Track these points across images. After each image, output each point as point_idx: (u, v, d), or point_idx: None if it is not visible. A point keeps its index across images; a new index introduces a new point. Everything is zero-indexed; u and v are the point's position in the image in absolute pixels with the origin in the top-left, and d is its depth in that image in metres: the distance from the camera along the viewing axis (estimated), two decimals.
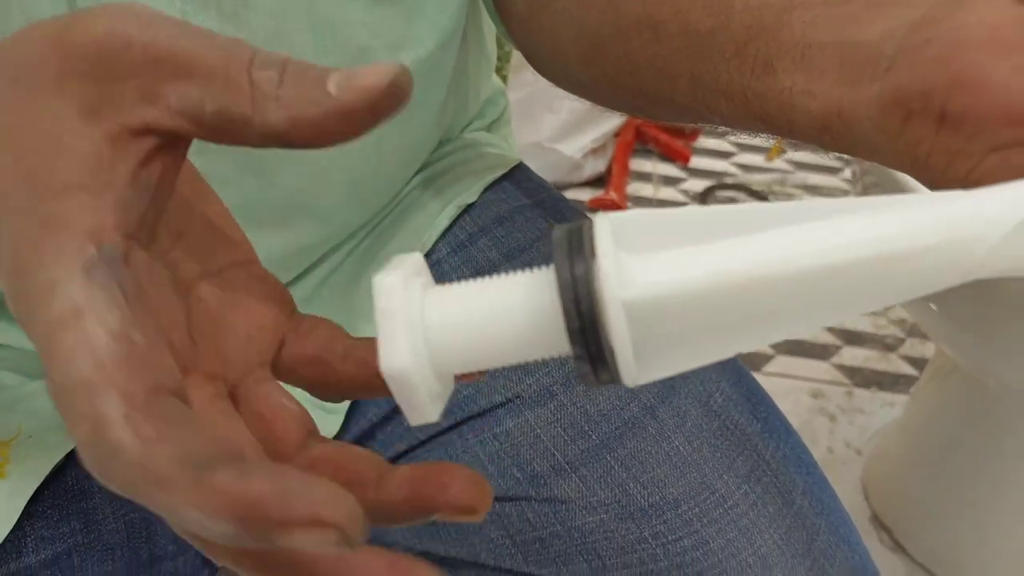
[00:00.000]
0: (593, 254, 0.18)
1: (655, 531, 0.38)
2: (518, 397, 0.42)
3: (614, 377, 0.18)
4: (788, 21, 0.27)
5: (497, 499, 0.42)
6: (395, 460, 0.46)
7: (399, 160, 0.47)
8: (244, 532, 0.17)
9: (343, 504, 0.17)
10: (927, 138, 0.22)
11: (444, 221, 0.48)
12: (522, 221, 0.49)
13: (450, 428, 0.44)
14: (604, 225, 0.19)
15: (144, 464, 0.18)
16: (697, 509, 0.38)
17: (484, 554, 0.42)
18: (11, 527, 0.40)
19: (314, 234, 0.44)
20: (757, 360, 1.07)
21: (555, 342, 0.19)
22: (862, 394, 1.03)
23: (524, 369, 0.43)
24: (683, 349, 0.18)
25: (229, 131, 0.20)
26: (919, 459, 0.85)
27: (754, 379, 0.46)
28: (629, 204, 1.34)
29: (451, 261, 0.48)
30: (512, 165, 0.52)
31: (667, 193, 1.39)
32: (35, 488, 0.41)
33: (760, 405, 0.44)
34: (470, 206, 0.49)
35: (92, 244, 0.20)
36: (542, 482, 0.41)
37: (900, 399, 1.02)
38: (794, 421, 0.98)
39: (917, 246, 0.17)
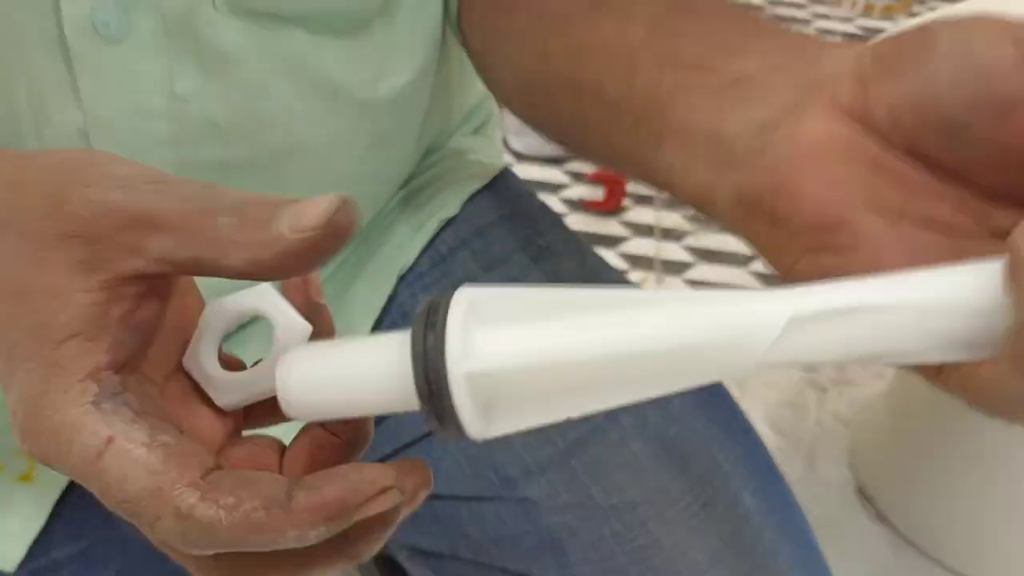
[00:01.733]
0: (444, 328, 0.21)
1: (614, 530, 0.42)
2: None
3: (462, 433, 0.22)
4: (675, 102, 0.30)
5: (475, 499, 0.46)
6: (392, 455, 0.50)
7: (382, 180, 0.51)
8: (336, 527, 0.22)
9: (389, 471, 0.23)
10: (763, 232, 0.25)
11: (425, 236, 0.51)
12: (500, 234, 0.52)
13: (431, 433, 0.48)
14: (460, 302, 0.22)
15: (241, 525, 0.22)
16: (652, 511, 0.42)
17: (463, 550, 0.46)
18: (40, 527, 0.45)
19: None
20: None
21: (408, 402, 0.22)
22: (854, 366, 1.06)
23: None
24: (525, 409, 0.22)
25: (203, 270, 0.24)
26: (904, 431, 0.88)
27: None
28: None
29: (432, 275, 0.51)
30: (494, 174, 0.55)
31: None
32: (60, 492, 0.45)
33: (719, 407, 0.48)
34: (451, 219, 0.52)
35: (94, 383, 0.24)
36: (513, 484, 0.45)
37: (890, 371, 1.05)
38: (784, 393, 1.02)
39: (708, 340, 0.20)
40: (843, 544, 0.87)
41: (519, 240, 0.52)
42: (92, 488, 0.24)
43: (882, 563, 0.86)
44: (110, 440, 0.23)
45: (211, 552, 0.24)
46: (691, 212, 1.27)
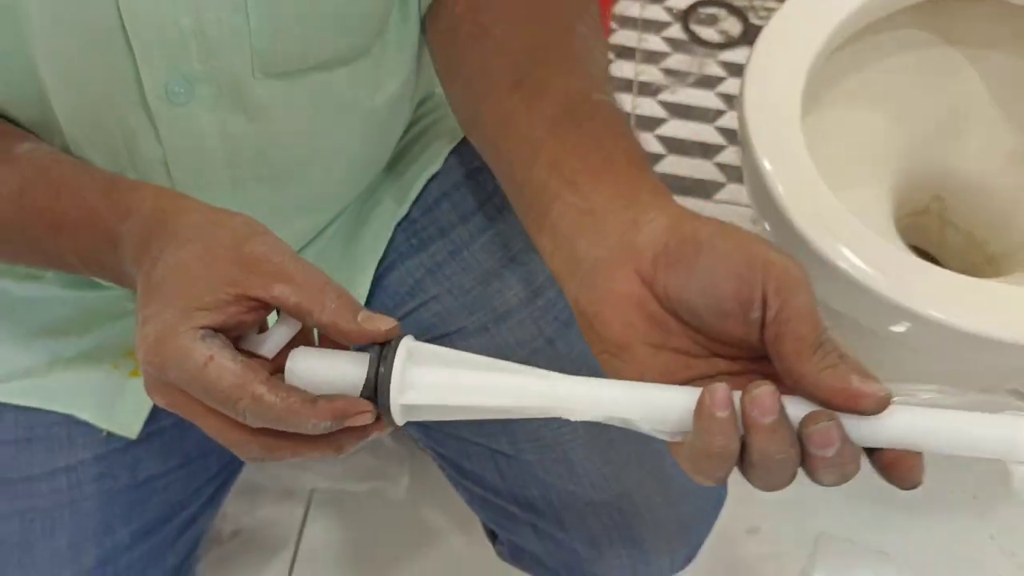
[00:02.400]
0: (390, 365, 0.37)
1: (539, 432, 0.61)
2: (464, 328, 0.64)
3: (393, 423, 0.39)
4: (552, 207, 0.43)
5: None
6: None
7: (379, 159, 0.65)
8: (336, 424, 0.37)
9: (370, 405, 0.38)
10: (584, 328, 0.41)
11: (416, 191, 0.67)
12: (474, 185, 0.67)
13: None
14: (403, 349, 0.38)
15: (287, 409, 0.37)
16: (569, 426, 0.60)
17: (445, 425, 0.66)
18: (150, 406, 0.64)
19: (311, 205, 0.62)
20: (710, 188, 1.26)
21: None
22: None
23: (470, 308, 0.64)
24: (431, 416, 0.39)
25: (301, 316, 0.40)
26: None
27: None
28: (613, 25, 1.46)
29: (421, 222, 0.67)
30: None
31: (652, 12, 1.49)
32: None
33: None
34: (436, 173, 0.67)
35: (202, 330, 0.39)
36: None
37: None
38: None
39: (533, 406, 0.37)
40: None
41: (488, 191, 0.67)
42: (195, 389, 0.38)
43: None
44: (211, 358, 0.38)
45: (261, 425, 0.38)
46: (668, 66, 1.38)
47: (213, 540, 0.94)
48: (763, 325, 0.36)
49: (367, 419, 0.38)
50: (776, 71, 0.72)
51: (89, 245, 0.47)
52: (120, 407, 0.63)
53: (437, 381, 0.38)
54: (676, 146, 1.27)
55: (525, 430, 0.62)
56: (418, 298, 0.66)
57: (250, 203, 0.52)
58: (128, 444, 0.64)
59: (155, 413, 0.64)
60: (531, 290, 0.64)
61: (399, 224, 0.66)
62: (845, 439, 0.34)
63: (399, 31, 0.57)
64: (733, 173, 1.26)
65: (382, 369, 0.37)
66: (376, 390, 0.38)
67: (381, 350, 0.38)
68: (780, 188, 0.65)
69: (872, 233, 0.63)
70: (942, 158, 0.94)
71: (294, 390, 0.38)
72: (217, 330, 0.39)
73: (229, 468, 0.74)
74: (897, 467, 0.36)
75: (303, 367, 0.39)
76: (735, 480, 0.38)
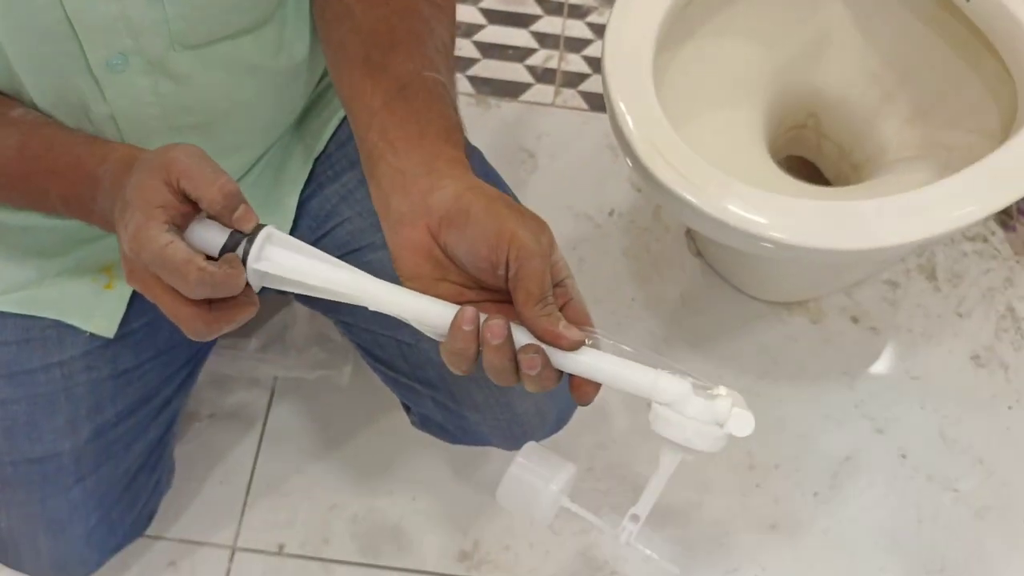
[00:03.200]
0: (251, 241, 0.50)
1: None
2: (372, 243, 0.78)
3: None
4: (380, 165, 0.54)
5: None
6: None
7: (294, 108, 0.78)
8: (211, 290, 0.48)
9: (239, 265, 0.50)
10: (393, 264, 0.53)
11: (331, 129, 0.80)
12: None
13: (341, 257, 0.80)
14: (264, 233, 0.50)
15: (224, 275, 0.48)
16: None
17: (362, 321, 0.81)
18: (122, 312, 0.78)
19: (239, 146, 0.75)
20: None
21: None
22: None
23: (376, 226, 0.78)
24: (285, 287, 0.51)
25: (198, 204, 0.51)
26: None
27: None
28: None
29: (336, 156, 0.80)
30: None
31: None
32: (129, 295, 0.79)
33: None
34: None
35: (164, 223, 0.49)
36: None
37: None
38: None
39: (349, 294, 0.51)
40: (669, 271, 1.23)
41: None
42: (158, 266, 0.48)
43: (694, 284, 1.22)
44: (171, 242, 0.48)
45: (204, 296, 0.49)
46: None
47: (192, 420, 1.10)
48: (507, 280, 0.49)
49: (242, 275, 0.50)
50: (635, 16, 0.84)
51: (74, 189, 0.60)
52: (99, 313, 0.77)
53: (284, 260, 0.50)
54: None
55: None
56: (334, 219, 0.80)
57: None
58: (108, 342, 0.78)
59: (127, 318, 0.78)
60: None
61: (317, 158, 0.80)
62: (546, 364, 0.48)
63: (297, 1, 0.70)
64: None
65: (247, 244, 0.51)
66: (245, 259, 0.50)
67: (253, 231, 0.51)
68: (629, 124, 0.79)
69: (702, 161, 0.77)
70: (812, 80, 1.06)
71: (223, 263, 0.49)
72: (175, 226, 0.51)
73: (195, 359, 0.89)
74: (577, 389, 0.49)
75: (198, 233, 0.52)
76: None
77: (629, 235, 1.24)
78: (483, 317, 0.48)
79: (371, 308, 0.51)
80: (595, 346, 0.49)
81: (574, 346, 0.48)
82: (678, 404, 0.48)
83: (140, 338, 0.81)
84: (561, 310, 0.49)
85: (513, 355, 0.48)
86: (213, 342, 0.92)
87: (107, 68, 0.62)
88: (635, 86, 0.80)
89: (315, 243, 0.79)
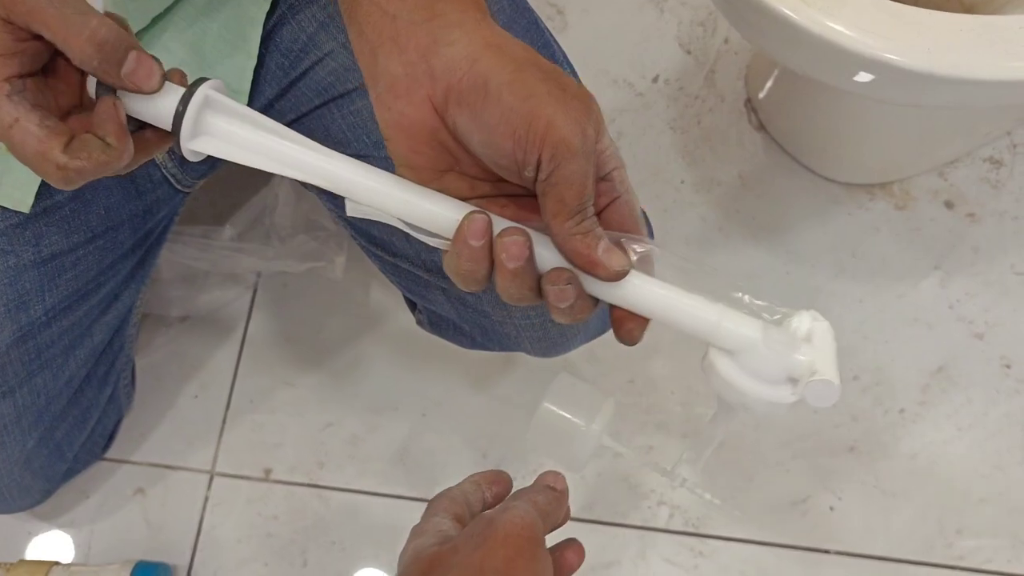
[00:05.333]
0: (186, 104, 0.39)
1: None
2: (363, 85, 0.59)
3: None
4: (361, 1, 0.40)
5: (360, 156, 0.61)
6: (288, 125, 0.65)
7: None
8: (84, 180, 0.39)
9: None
10: (386, 143, 0.41)
11: None
12: None
13: (322, 105, 0.62)
14: (200, 96, 0.39)
15: (82, 168, 0.38)
16: None
17: None
18: (39, 181, 0.61)
19: None
20: None
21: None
22: None
23: None
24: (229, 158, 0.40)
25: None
26: None
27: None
28: None
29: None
30: None
31: None
32: None
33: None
34: None
35: (7, 83, 0.38)
36: (381, 145, 0.59)
37: None
38: (698, 14, 1.10)
39: (318, 182, 0.38)
40: (725, 147, 1.03)
41: None
42: (15, 156, 0.39)
43: (755, 163, 1.03)
44: (16, 120, 0.38)
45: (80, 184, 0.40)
46: None
47: (159, 324, 0.94)
48: (535, 182, 0.38)
49: (121, 156, 0.39)
50: None
51: None
52: (8, 182, 0.61)
53: (230, 136, 0.40)
54: None
55: None
56: (312, 54, 0.62)
57: None
58: (26, 219, 0.63)
59: (48, 188, 0.62)
60: None
61: None
62: (580, 295, 0.39)
63: None
64: None
65: (180, 109, 0.40)
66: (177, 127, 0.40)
67: (187, 94, 0.40)
68: None
69: None
70: None
71: (91, 148, 0.39)
72: (27, 79, 0.39)
73: (145, 245, 0.72)
74: (622, 325, 0.40)
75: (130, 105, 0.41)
76: None
77: (677, 105, 1.05)
78: (498, 226, 0.39)
79: (352, 200, 0.40)
80: (646, 262, 0.39)
81: (615, 277, 0.39)
82: (744, 355, 0.39)
83: (66, 214, 0.65)
84: (604, 211, 0.40)
85: (535, 282, 0.39)
86: (168, 223, 0.74)
87: None
88: None
89: (290, 87, 0.63)
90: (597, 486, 0.88)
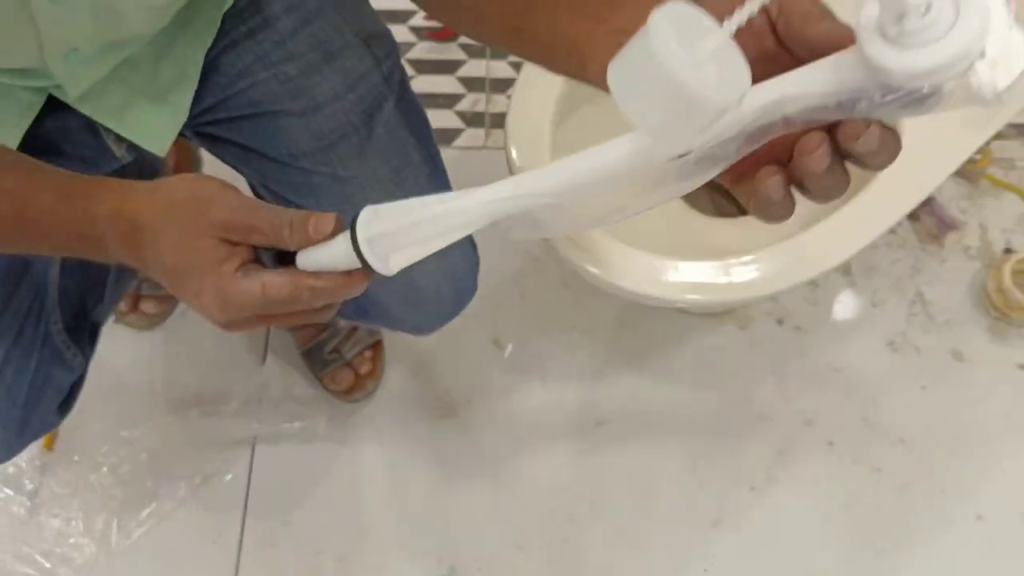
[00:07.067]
0: (355, 238, 0.45)
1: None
2: (287, 109, 0.77)
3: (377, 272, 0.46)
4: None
5: (278, 162, 0.79)
6: (221, 124, 0.80)
7: None
8: (334, 297, 0.48)
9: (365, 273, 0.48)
10: None
11: None
12: None
13: (252, 116, 0.78)
14: (362, 236, 0.45)
15: (335, 285, 0.48)
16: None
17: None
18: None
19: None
20: None
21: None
22: None
23: (292, 94, 0.77)
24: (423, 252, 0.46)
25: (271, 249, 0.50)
26: None
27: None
28: None
29: (249, 11, 0.75)
30: None
31: None
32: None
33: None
34: None
35: (237, 271, 0.48)
36: (297, 156, 0.78)
37: None
38: None
39: (506, 209, 0.43)
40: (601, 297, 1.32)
41: None
42: (269, 310, 0.49)
43: (627, 305, 1.31)
44: (263, 284, 0.47)
45: (320, 305, 0.49)
46: None
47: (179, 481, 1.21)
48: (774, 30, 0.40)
49: (362, 282, 0.48)
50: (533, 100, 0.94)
51: (69, 246, 0.56)
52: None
53: (404, 244, 0.45)
54: None
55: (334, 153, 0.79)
56: (247, 79, 0.77)
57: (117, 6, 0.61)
58: None
59: None
60: (346, 85, 0.78)
61: (226, 13, 0.74)
62: (882, 129, 0.36)
63: None
64: None
65: (353, 243, 0.46)
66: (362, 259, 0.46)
67: (354, 224, 0.46)
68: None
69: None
70: None
71: (330, 273, 0.48)
72: (248, 263, 0.49)
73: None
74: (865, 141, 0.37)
75: (307, 261, 0.49)
76: None
77: (563, 266, 1.33)
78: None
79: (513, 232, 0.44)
80: None
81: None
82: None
83: None
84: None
85: (842, 163, 0.39)
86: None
87: (48, 4, 0.58)
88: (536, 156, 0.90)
89: (223, 102, 0.79)
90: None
